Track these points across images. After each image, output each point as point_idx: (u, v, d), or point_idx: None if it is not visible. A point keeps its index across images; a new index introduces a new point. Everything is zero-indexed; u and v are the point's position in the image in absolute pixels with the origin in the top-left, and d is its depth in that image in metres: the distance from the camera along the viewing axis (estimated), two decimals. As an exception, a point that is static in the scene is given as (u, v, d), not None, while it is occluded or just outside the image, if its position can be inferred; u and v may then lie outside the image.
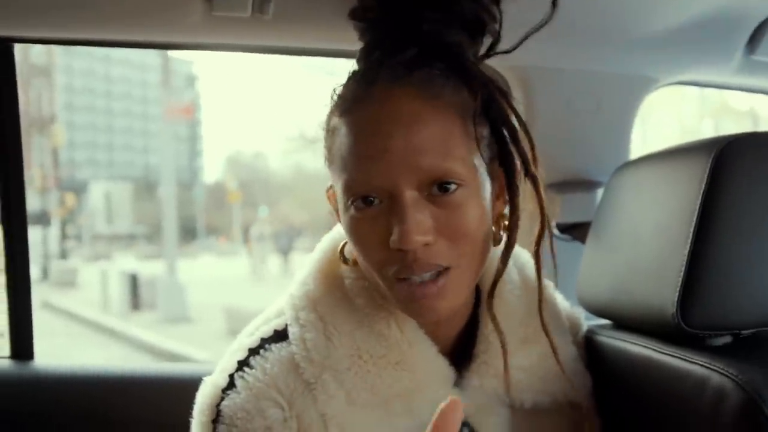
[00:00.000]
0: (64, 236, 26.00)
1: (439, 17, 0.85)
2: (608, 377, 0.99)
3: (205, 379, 0.90)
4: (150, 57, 54.84)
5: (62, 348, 9.52)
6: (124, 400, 1.60)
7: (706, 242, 0.84)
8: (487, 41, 0.91)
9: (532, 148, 0.85)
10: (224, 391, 0.86)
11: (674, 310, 0.85)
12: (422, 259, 0.79)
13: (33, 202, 36.89)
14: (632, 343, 0.96)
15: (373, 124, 0.80)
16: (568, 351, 0.97)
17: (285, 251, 20.12)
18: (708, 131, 19.94)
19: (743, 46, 1.35)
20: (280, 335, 0.90)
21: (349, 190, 0.81)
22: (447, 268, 0.81)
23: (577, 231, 1.15)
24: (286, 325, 0.90)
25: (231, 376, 0.87)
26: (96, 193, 46.30)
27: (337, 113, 0.85)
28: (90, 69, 53.52)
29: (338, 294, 0.90)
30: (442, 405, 0.65)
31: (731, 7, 1.22)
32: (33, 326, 1.69)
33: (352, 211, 0.82)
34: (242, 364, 0.88)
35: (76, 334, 11.17)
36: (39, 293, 16.66)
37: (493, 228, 0.87)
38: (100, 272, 14.58)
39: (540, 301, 0.87)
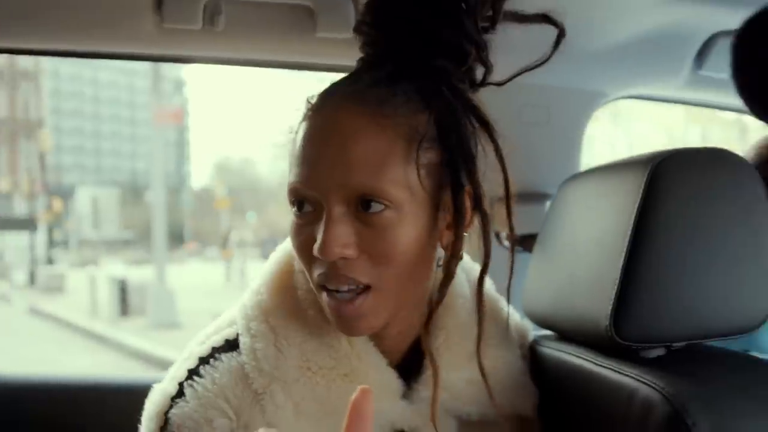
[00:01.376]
0: (51, 242, 25.84)
1: (420, 42, 0.85)
2: (551, 388, 0.99)
3: (154, 386, 0.90)
4: (137, 62, 54.49)
5: (50, 353, 9.48)
6: (77, 409, 1.61)
7: (639, 256, 0.85)
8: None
9: (506, 179, 0.85)
10: (173, 399, 0.87)
11: (608, 322, 0.86)
12: (341, 271, 0.80)
13: (20, 208, 36.67)
14: (572, 354, 0.97)
15: (317, 132, 0.81)
16: (516, 365, 0.97)
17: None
18: (695, 139, 20.05)
19: (691, 62, 1.37)
20: (231, 345, 0.90)
21: (289, 192, 0.83)
22: (367, 287, 0.81)
23: (527, 242, 1.17)
24: (237, 334, 0.90)
25: (180, 384, 0.87)
26: (83, 198, 46.13)
27: (301, 119, 0.86)
28: (77, 74, 53.35)
29: (290, 305, 0.90)
30: (354, 396, 0.64)
31: (679, 24, 1.24)
32: None
33: (293, 214, 0.84)
34: (192, 373, 0.88)
35: (65, 340, 11.11)
36: (26, 299, 16.60)
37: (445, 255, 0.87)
38: (88, 278, 14.48)
39: (479, 342, 0.87)
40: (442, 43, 0.85)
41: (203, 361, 0.89)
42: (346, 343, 0.87)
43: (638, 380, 0.83)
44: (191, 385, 0.86)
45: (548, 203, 1.38)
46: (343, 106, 0.81)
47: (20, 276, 19.79)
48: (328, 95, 0.84)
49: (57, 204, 28.28)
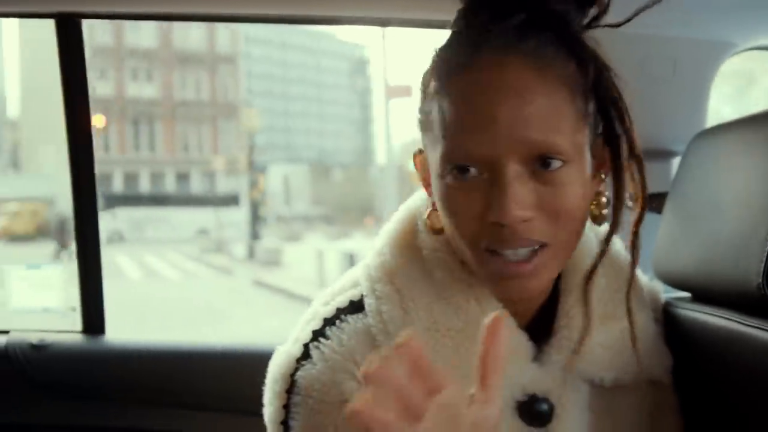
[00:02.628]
0: (257, 218, 27.02)
1: None
2: (687, 351, 0.95)
3: (278, 348, 0.90)
4: (324, 42, 56.40)
5: (285, 323, 9.62)
6: (192, 374, 1.66)
7: None
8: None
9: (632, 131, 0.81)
10: (299, 361, 0.86)
11: (760, 280, 0.82)
12: (519, 234, 0.77)
13: (225, 185, 38.95)
14: (714, 315, 0.92)
15: (480, 92, 0.77)
16: (650, 328, 0.94)
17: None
18: None
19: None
20: (356, 306, 0.89)
21: (449, 158, 0.78)
22: (543, 245, 0.79)
23: (652, 202, 1.03)
24: (362, 296, 0.89)
25: (306, 345, 0.87)
26: (275, 175, 48.20)
27: (439, 77, 0.81)
28: (268, 55, 55.59)
29: (416, 266, 0.88)
30: (486, 321, 0.63)
31: None
32: (104, 301, 1.78)
33: (448, 179, 0.79)
34: (317, 335, 0.87)
35: (294, 310, 11.30)
36: (247, 272, 17.32)
37: (591, 207, 0.85)
38: (314, 252, 14.93)
39: (629, 288, 0.85)
40: None
41: (329, 322, 0.88)
42: (475, 304, 0.86)
43: None
44: (317, 347, 0.85)
45: (674, 161, 1.37)
46: (505, 60, 0.77)
47: (239, 250, 20.73)
48: (476, 49, 0.78)
49: (261, 181, 29.48)
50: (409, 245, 0.90)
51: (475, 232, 0.79)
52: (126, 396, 1.69)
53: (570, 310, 0.88)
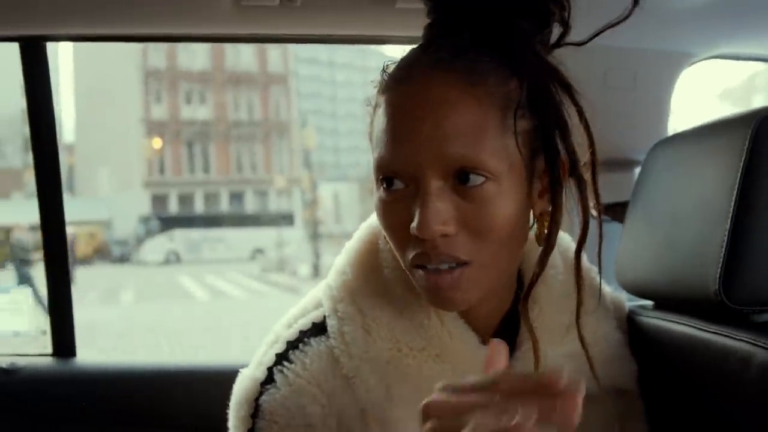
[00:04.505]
0: (315, 235, 26.92)
1: (504, 3, 0.81)
2: (651, 358, 0.96)
3: (241, 371, 0.90)
4: (371, 59, 56.55)
5: None
6: (162, 395, 1.66)
7: (747, 216, 0.83)
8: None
9: (591, 143, 0.81)
10: (263, 385, 0.86)
11: (716, 286, 0.84)
12: (440, 249, 0.76)
13: (277, 204, 39.07)
14: (674, 322, 0.94)
15: (406, 105, 0.78)
16: (614, 337, 0.94)
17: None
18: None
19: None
20: (319, 328, 0.89)
21: (378, 169, 0.80)
22: (465, 263, 0.78)
23: (614, 211, 1.11)
24: (325, 317, 0.89)
25: (270, 369, 0.86)
26: (325, 193, 48.27)
27: (381, 92, 0.82)
28: (317, 75, 55.92)
29: (377, 284, 0.88)
30: (488, 353, 0.65)
31: None
32: (74, 324, 1.77)
33: (380, 191, 0.80)
34: (281, 358, 0.86)
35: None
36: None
37: (536, 226, 0.85)
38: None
39: (579, 310, 0.84)
40: (524, 3, 0.82)
41: (292, 345, 0.88)
42: (436, 321, 0.85)
43: (753, 344, 0.80)
44: (281, 371, 0.86)
45: (636, 170, 1.36)
46: (433, 76, 0.77)
47: (303, 269, 20.58)
48: (412, 66, 0.80)
49: (319, 200, 29.41)
50: (370, 263, 0.90)
51: (403, 244, 0.79)
52: (98, 417, 1.70)
53: (533, 321, 0.86)
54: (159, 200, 38.80)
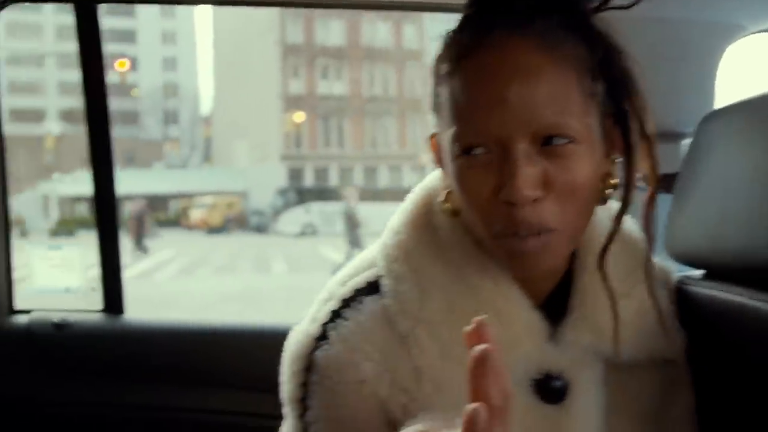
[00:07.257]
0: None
1: None
2: (700, 328, 0.94)
3: (295, 327, 0.91)
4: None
5: None
6: (209, 352, 1.73)
7: None
8: None
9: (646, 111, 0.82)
10: (317, 341, 0.87)
11: None
12: (528, 219, 0.77)
13: (408, 179, 39.08)
14: (726, 291, 0.92)
15: (490, 72, 0.78)
16: (663, 307, 0.91)
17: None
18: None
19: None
20: (373, 287, 0.89)
21: (461, 138, 0.79)
22: (551, 231, 0.79)
23: (662, 182, 0.99)
24: (379, 276, 0.89)
25: (324, 326, 0.87)
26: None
27: (450, 60, 0.82)
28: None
29: (432, 246, 0.88)
30: (467, 329, 0.60)
31: None
32: (123, 281, 1.86)
33: (460, 160, 0.80)
34: (335, 315, 0.87)
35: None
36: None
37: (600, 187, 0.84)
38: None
39: (647, 264, 0.86)
40: None
41: (346, 303, 0.88)
42: (491, 284, 0.86)
43: None
44: (335, 328, 0.86)
45: (683, 142, 1.40)
46: (512, 41, 0.78)
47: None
48: (486, 31, 0.79)
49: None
50: (425, 225, 0.90)
51: (489, 212, 0.79)
52: (145, 374, 1.74)
53: (585, 288, 0.88)
54: (295, 173, 39.60)
